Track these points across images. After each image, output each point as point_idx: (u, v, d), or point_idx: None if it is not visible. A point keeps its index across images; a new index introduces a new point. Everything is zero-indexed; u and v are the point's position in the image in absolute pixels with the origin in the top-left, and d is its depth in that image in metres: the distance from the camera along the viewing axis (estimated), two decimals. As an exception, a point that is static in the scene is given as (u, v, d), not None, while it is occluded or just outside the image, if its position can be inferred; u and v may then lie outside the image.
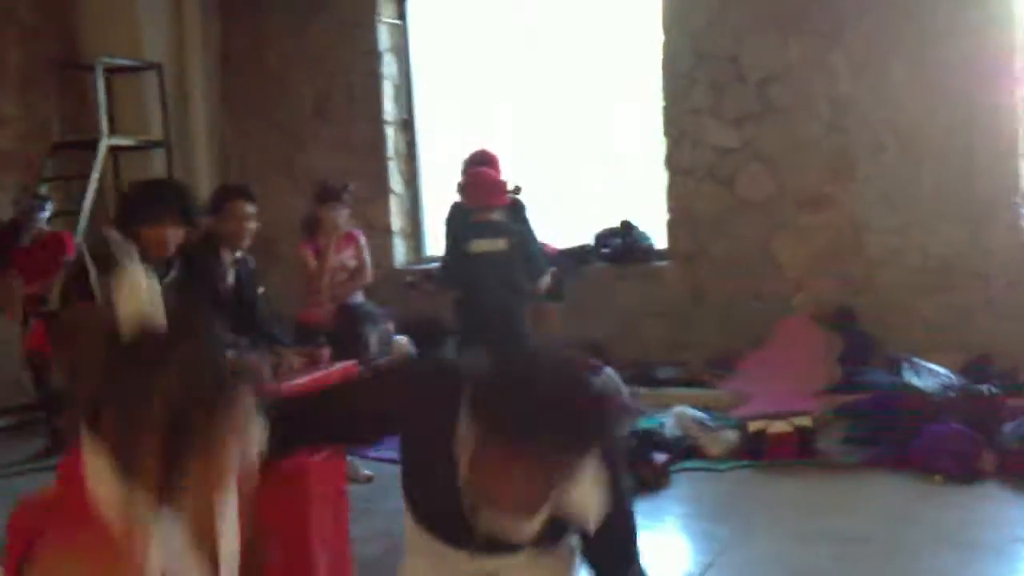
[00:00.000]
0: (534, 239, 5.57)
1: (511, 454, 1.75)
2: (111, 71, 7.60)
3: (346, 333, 5.31)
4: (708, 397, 6.33)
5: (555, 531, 1.96)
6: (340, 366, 4.12)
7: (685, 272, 7.21)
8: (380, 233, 7.95)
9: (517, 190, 5.69)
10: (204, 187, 7.36)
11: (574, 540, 2.05)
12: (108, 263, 3.45)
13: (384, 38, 8.14)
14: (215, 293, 4.22)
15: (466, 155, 5.74)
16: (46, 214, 6.55)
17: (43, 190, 7.05)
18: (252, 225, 4.28)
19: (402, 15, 8.26)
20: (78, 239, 6.80)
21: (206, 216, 4.07)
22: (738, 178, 7.07)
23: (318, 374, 3.93)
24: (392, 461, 5.65)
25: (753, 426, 5.43)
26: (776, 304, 6.82)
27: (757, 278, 6.98)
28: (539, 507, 1.88)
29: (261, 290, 4.51)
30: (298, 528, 3.85)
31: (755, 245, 7.01)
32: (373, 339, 5.48)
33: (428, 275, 7.07)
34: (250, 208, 4.26)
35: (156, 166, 7.80)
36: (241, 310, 4.29)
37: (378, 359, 5.41)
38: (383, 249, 7.99)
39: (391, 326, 6.23)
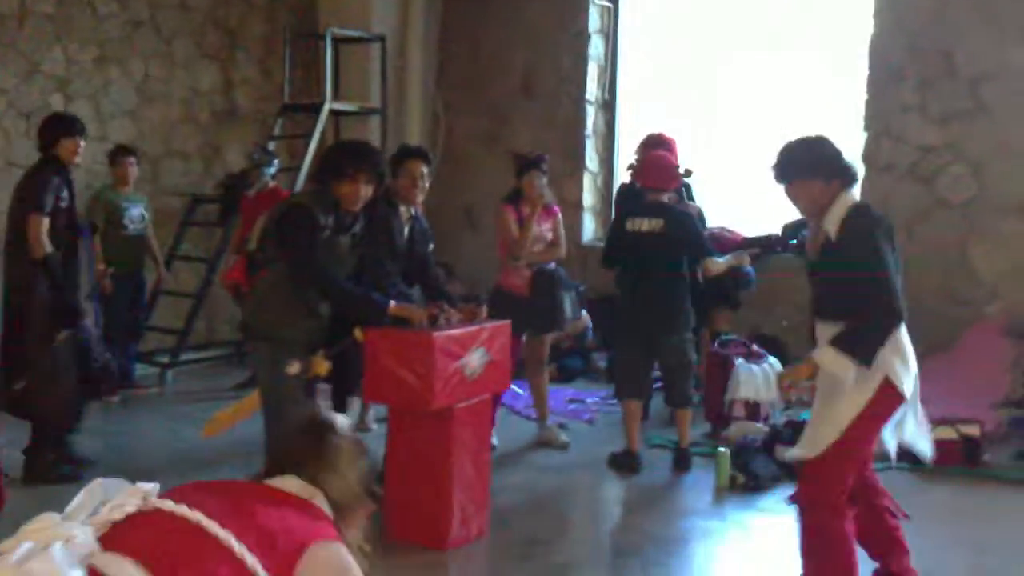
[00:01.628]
0: (695, 222, 5.43)
1: None
2: (340, 41, 8.19)
3: (543, 299, 5.43)
4: (878, 398, 6.14)
5: None
6: (494, 324, 4.30)
7: (873, 270, 7.00)
8: (571, 208, 8.19)
9: (688, 173, 5.70)
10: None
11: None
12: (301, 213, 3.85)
13: (594, 20, 8.35)
14: (392, 246, 4.58)
15: (642, 137, 5.82)
16: (272, 169, 7.16)
17: (271, 147, 7.73)
18: (425, 184, 4.60)
19: (614, -2, 8.43)
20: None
21: (388, 176, 4.40)
22: (939, 179, 6.80)
23: (471, 328, 4.16)
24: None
25: (913, 429, 5.26)
26: (966, 310, 6.54)
27: (949, 282, 6.70)
28: None
29: (431, 247, 4.83)
30: (439, 469, 4.14)
31: (951, 248, 6.73)
32: (568, 304, 5.56)
33: None
34: (425, 168, 4.59)
35: (372, 131, 8.36)
36: (413, 263, 4.65)
37: (573, 321, 5.54)
38: (573, 224, 8.23)
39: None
